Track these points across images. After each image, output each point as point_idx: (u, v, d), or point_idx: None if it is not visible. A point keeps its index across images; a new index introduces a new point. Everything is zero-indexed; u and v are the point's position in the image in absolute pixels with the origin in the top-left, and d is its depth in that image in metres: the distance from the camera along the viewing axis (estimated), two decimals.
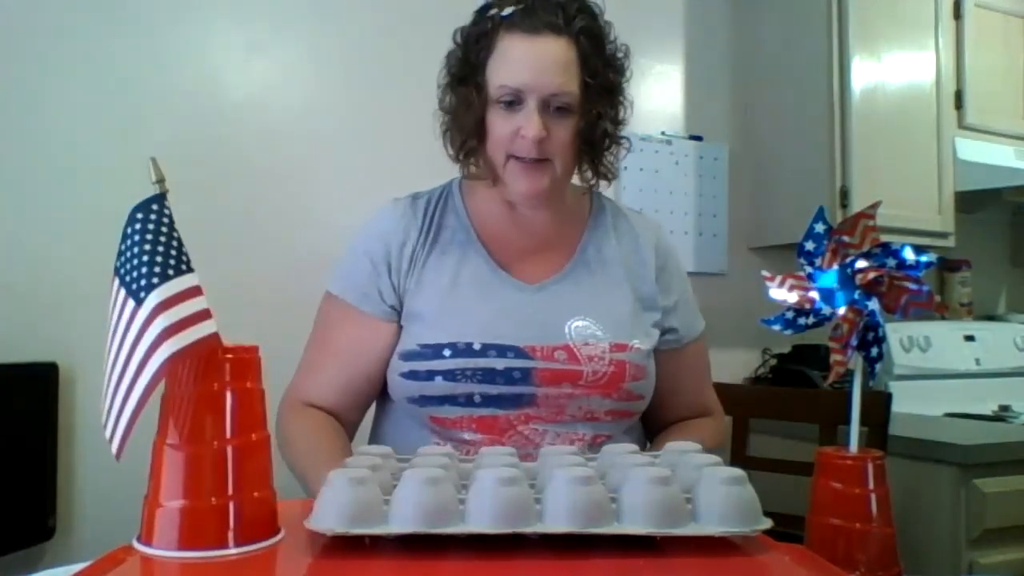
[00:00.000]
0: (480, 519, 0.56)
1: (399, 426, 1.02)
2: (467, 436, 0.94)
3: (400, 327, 1.00)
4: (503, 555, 0.56)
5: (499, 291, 0.99)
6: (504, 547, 0.56)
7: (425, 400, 0.95)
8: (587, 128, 0.96)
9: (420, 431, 0.98)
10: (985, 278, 2.58)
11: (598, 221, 1.08)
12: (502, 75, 0.93)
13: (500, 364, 0.93)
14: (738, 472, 0.61)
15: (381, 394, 1.05)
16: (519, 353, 0.94)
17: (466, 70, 0.97)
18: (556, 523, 0.57)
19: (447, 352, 0.94)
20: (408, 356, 0.96)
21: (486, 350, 0.94)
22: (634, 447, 0.74)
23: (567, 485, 0.58)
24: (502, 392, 0.93)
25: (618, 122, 1.02)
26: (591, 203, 1.10)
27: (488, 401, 0.93)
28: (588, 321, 0.98)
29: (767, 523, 0.60)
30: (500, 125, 0.94)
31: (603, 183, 1.05)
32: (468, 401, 0.93)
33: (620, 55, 1.02)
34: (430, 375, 0.94)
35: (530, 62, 0.92)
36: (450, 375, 0.93)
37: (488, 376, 0.93)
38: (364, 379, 1.01)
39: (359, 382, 1.01)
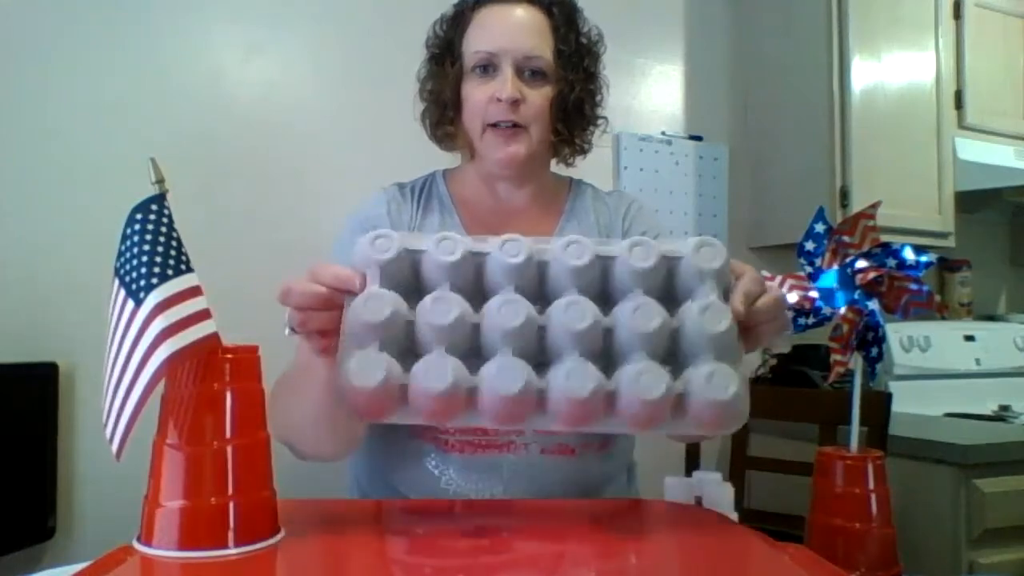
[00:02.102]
0: (486, 417, 0.59)
1: (383, 430, 0.98)
2: (448, 437, 0.91)
3: None
4: (499, 555, 0.56)
5: None
6: (495, 543, 0.56)
7: None
8: (561, 96, 0.98)
9: (402, 429, 0.95)
10: (985, 278, 2.58)
11: (576, 205, 1.08)
12: (477, 42, 0.97)
13: None
14: (728, 371, 0.60)
15: None
16: None
17: (443, 47, 1.01)
18: (553, 424, 0.59)
19: None
20: None
21: None
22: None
23: (567, 381, 0.59)
24: None
25: (595, 102, 1.04)
26: (570, 189, 1.10)
27: None
28: None
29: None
30: (476, 92, 0.96)
31: (579, 158, 1.07)
32: None
33: (594, 39, 1.04)
34: None
35: (504, 27, 0.96)
36: None
37: None
38: None
39: None
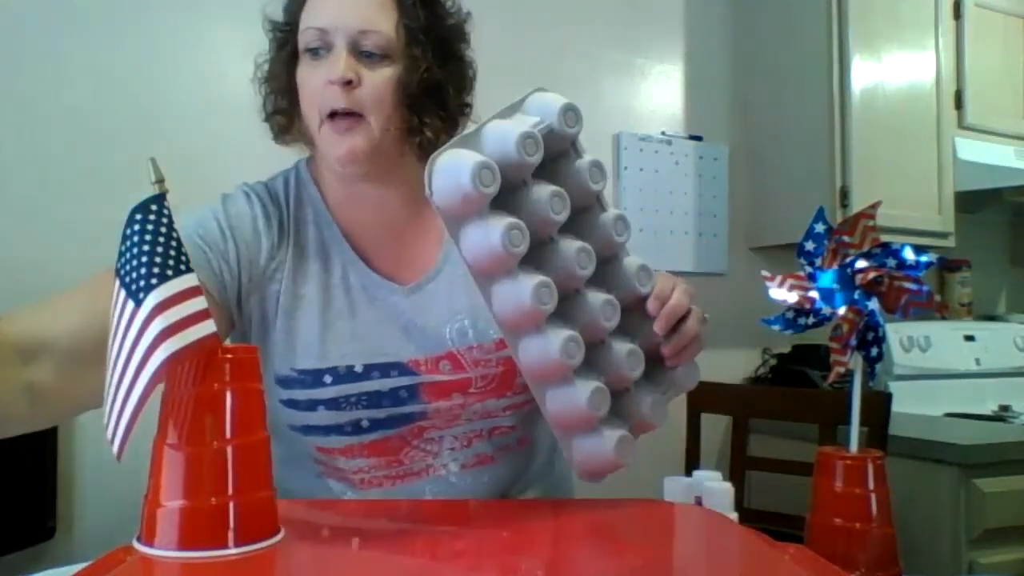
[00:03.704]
0: None
1: (284, 455, 0.88)
2: (359, 463, 0.86)
3: (231, 322, 0.87)
4: (499, 555, 0.56)
5: (373, 298, 0.89)
6: (496, 543, 0.56)
7: (309, 429, 0.86)
8: (406, 76, 0.84)
9: (305, 461, 0.89)
10: (985, 278, 2.59)
11: None
12: (308, 18, 0.84)
13: (385, 385, 0.85)
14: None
15: None
16: (403, 370, 0.85)
17: (283, 28, 0.89)
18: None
19: (328, 379, 0.84)
20: (286, 383, 0.85)
21: (369, 372, 0.85)
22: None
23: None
24: (391, 414, 0.85)
25: (460, 87, 0.91)
26: None
27: (377, 424, 0.85)
28: (468, 321, 0.88)
29: None
30: (309, 77, 0.84)
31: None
32: (356, 428, 0.85)
33: (457, 15, 0.91)
34: (312, 404, 0.84)
35: (338, 1, 0.84)
36: (333, 404, 0.84)
37: (374, 400, 0.84)
38: None
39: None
